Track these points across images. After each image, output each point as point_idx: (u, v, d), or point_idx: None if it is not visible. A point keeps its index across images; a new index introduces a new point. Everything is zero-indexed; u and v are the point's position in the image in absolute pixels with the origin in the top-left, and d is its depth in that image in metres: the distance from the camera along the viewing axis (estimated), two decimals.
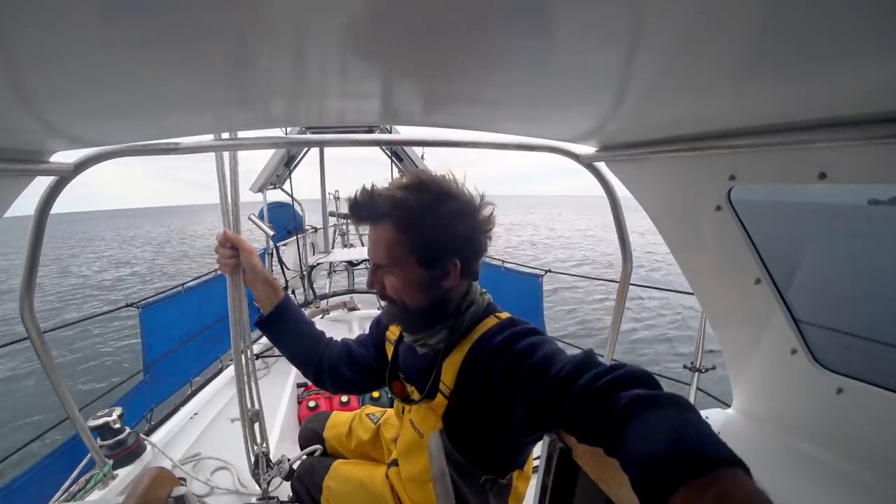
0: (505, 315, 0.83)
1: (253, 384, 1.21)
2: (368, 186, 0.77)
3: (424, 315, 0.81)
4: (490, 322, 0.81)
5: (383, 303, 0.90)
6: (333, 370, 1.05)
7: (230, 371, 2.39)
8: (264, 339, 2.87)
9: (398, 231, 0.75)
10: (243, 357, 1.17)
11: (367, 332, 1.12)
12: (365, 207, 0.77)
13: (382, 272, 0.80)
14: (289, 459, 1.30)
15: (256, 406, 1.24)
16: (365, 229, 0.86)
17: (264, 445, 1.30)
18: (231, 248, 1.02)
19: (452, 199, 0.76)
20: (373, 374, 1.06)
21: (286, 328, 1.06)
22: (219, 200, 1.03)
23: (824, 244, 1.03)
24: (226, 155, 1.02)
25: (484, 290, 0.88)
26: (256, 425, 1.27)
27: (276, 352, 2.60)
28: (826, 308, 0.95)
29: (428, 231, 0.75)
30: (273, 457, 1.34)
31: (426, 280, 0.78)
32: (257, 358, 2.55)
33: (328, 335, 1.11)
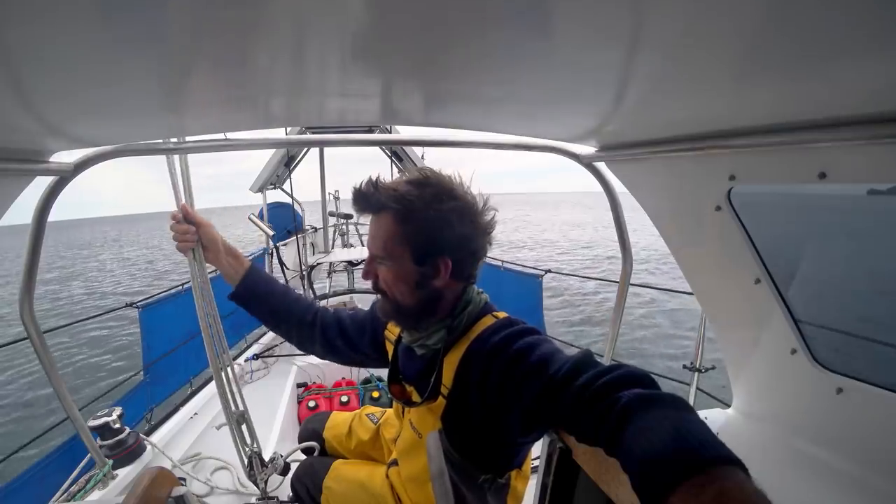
0: (502, 315, 0.83)
1: (234, 385, 1.20)
2: (373, 178, 0.79)
3: (414, 313, 0.82)
4: (487, 321, 0.81)
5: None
6: (325, 337, 1.06)
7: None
8: (264, 339, 2.87)
9: (396, 223, 0.76)
10: (218, 356, 1.16)
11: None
12: (367, 198, 0.78)
13: (377, 263, 0.81)
14: (282, 455, 1.29)
15: (241, 407, 1.24)
16: (365, 229, 0.87)
17: (255, 445, 1.29)
18: (187, 222, 1.01)
19: (454, 199, 0.77)
20: (359, 353, 1.08)
21: (259, 295, 1.06)
22: (175, 205, 1.01)
23: (823, 237, 1.02)
24: (176, 158, 1.00)
25: (481, 290, 0.88)
26: (244, 426, 1.26)
27: (276, 351, 2.62)
28: (825, 303, 0.95)
29: (425, 227, 0.75)
30: (270, 456, 1.34)
31: (417, 277, 0.78)
32: (256, 358, 2.55)
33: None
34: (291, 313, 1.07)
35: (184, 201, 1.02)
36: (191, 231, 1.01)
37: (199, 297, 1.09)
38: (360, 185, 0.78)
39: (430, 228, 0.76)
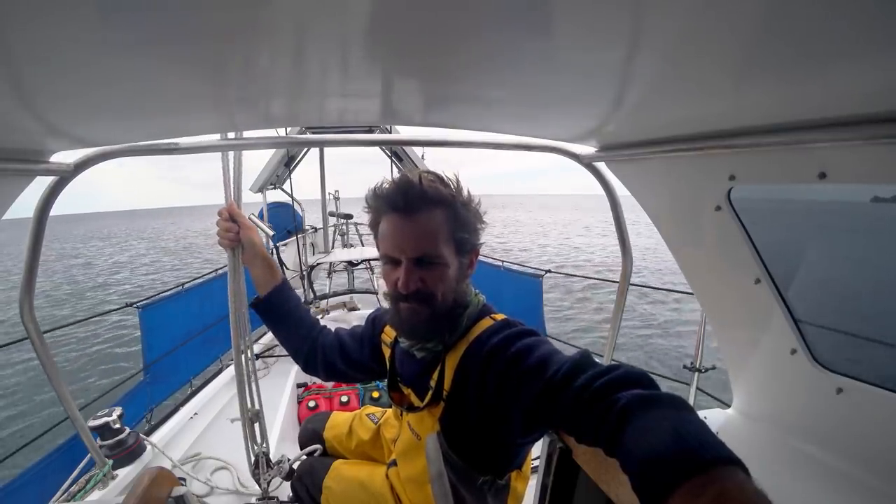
0: (500, 316, 0.83)
1: (253, 383, 1.21)
2: (415, 177, 0.79)
3: (447, 313, 0.81)
4: (486, 323, 0.81)
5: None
6: (326, 359, 1.07)
7: (230, 371, 2.38)
8: (264, 339, 2.87)
9: (447, 218, 0.78)
10: (243, 353, 1.16)
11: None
12: (420, 194, 0.76)
13: (425, 266, 0.77)
14: (289, 459, 1.30)
15: (257, 406, 1.24)
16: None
17: (265, 445, 1.30)
18: (232, 221, 1.02)
19: (469, 194, 0.82)
20: (363, 369, 1.09)
21: (281, 312, 1.07)
22: (223, 199, 1.03)
23: (825, 243, 1.02)
24: (230, 155, 1.02)
25: (477, 290, 0.88)
26: (257, 425, 1.27)
27: (276, 351, 2.62)
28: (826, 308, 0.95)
29: (467, 218, 0.80)
30: (273, 457, 1.34)
31: (459, 269, 0.81)
32: (257, 358, 2.55)
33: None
34: (304, 340, 1.08)
35: (232, 199, 1.03)
36: (233, 230, 1.02)
37: (232, 294, 1.09)
38: (408, 183, 0.77)
39: (466, 220, 0.80)
